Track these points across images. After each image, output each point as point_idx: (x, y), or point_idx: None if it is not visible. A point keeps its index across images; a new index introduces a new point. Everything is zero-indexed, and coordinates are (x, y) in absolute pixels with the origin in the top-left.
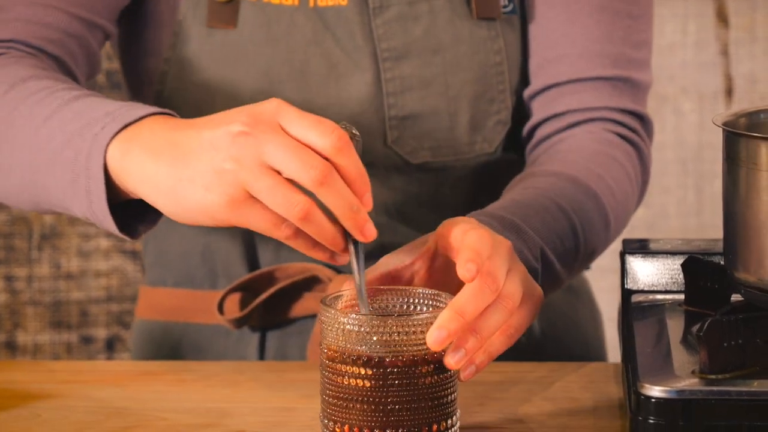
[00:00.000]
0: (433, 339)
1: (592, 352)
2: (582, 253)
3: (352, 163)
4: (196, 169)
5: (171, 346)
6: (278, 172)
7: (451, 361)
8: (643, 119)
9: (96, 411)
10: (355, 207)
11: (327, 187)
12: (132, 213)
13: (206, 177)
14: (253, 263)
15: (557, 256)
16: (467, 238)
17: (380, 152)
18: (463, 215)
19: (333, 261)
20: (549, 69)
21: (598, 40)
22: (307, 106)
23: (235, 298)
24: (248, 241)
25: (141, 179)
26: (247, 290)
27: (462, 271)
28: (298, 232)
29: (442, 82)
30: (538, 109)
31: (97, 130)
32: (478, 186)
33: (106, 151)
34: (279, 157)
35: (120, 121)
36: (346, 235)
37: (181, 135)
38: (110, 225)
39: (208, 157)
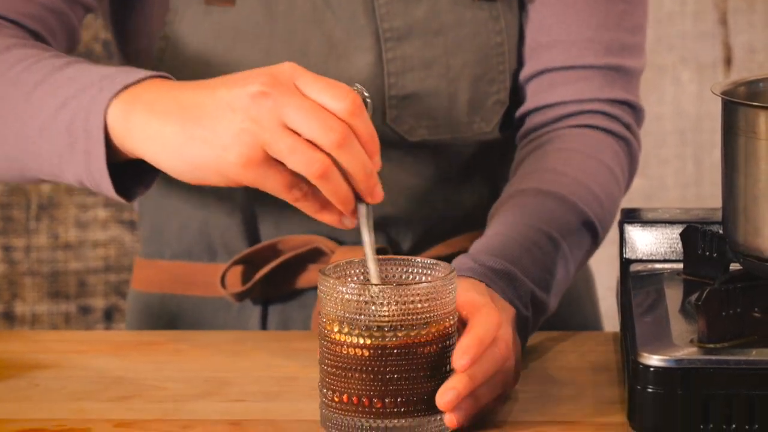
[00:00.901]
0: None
1: (588, 320)
2: (572, 274)
3: (365, 126)
4: (212, 129)
5: (169, 318)
6: (296, 133)
7: (442, 403)
8: (633, 108)
9: (94, 381)
10: (368, 169)
11: (345, 149)
12: (127, 176)
13: (223, 137)
14: (253, 237)
15: (548, 291)
16: (476, 321)
17: (378, 130)
18: (460, 191)
19: (340, 224)
20: (542, 54)
21: (592, 27)
22: None
23: (237, 271)
24: (248, 215)
25: (145, 138)
26: (249, 263)
27: (458, 360)
28: (307, 195)
29: (443, 63)
30: (531, 96)
31: (95, 93)
32: (474, 164)
33: (106, 112)
34: (299, 118)
35: (119, 83)
36: (355, 197)
37: (190, 95)
38: (107, 187)
39: (225, 118)
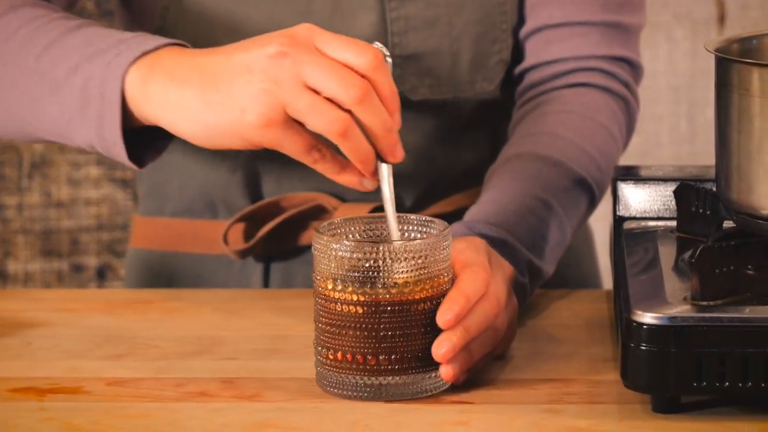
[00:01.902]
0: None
1: (588, 276)
2: (569, 238)
3: (387, 82)
4: (230, 92)
5: (169, 276)
6: (316, 92)
7: (438, 354)
8: (632, 65)
9: (87, 339)
10: (389, 126)
11: (365, 105)
12: (138, 142)
13: (242, 99)
14: (255, 194)
15: (543, 257)
16: (463, 278)
17: None
18: (461, 148)
19: (361, 186)
20: (541, 10)
21: None
22: None
23: (239, 228)
24: (250, 172)
25: (163, 104)
26: (251, 220)
27: (442, 316)
28: (326, 157)
29: (446, 22)
30: (529, 53)
31: (111, 58)
32: (476, 121)
33: (124, 78)
34: (319, 76)
35: (137, 49)
36: (376, 158)
37: (208, 60)
38: (120, 153)
39: (243, 80)
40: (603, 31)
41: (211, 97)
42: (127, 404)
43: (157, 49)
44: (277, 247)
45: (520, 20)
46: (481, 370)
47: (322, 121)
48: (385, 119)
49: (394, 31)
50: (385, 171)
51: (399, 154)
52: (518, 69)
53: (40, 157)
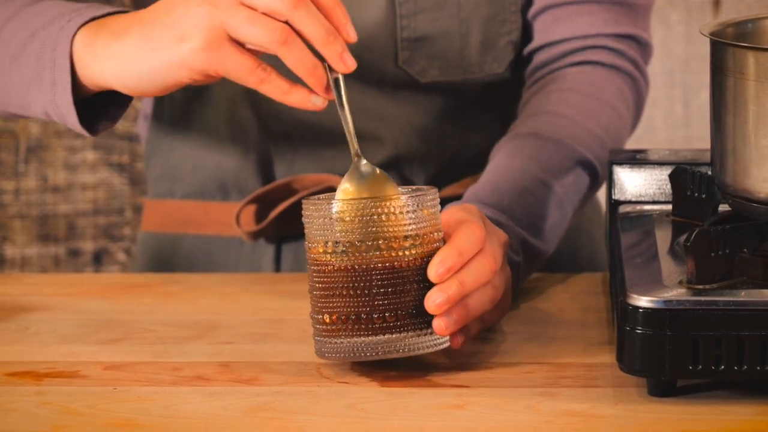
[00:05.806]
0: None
1: (598, 251)
2: (570, 216)
3: None
4: (168, 23)
5: (180, 258)
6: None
7: (431, 305)
8: (639, 42)
9: (84, 323)
10: (331, 30)
11: (301, 11)
12: (94, 110)
13: (181, 26)
14: (267, 177)
15: (541, 236)
16: (457, 234)
17: (390, 71)
18: (472, 130)
19: (312, 106)
20: None
21: None
22: None
23: (250, 210)
24: (262, 155)
25: (107, 57)
26: (263, 202)
27: (433, 269)
28: (272, 75)
29: (455, 4)
30: (537, 33)
31: (63, 23)
32: (486, 103)
33: (72, 41)
34: None
35: (87, 15)
36: (327, 70)
37: (147, 10)
38: (72, 118)
39: (180, 9)
40: (609, 8)
41: (150, 32)
42: (124, 388)
43: (107, 15)
44: (288, 228)
45: (528, 0)
46: (477, 354)
47: (261, 31)
48: (325, 25)
49: (402, 13)
50: (336, 83)
51: (349, 63)
52: (527, 49)
53: (36, 142)
